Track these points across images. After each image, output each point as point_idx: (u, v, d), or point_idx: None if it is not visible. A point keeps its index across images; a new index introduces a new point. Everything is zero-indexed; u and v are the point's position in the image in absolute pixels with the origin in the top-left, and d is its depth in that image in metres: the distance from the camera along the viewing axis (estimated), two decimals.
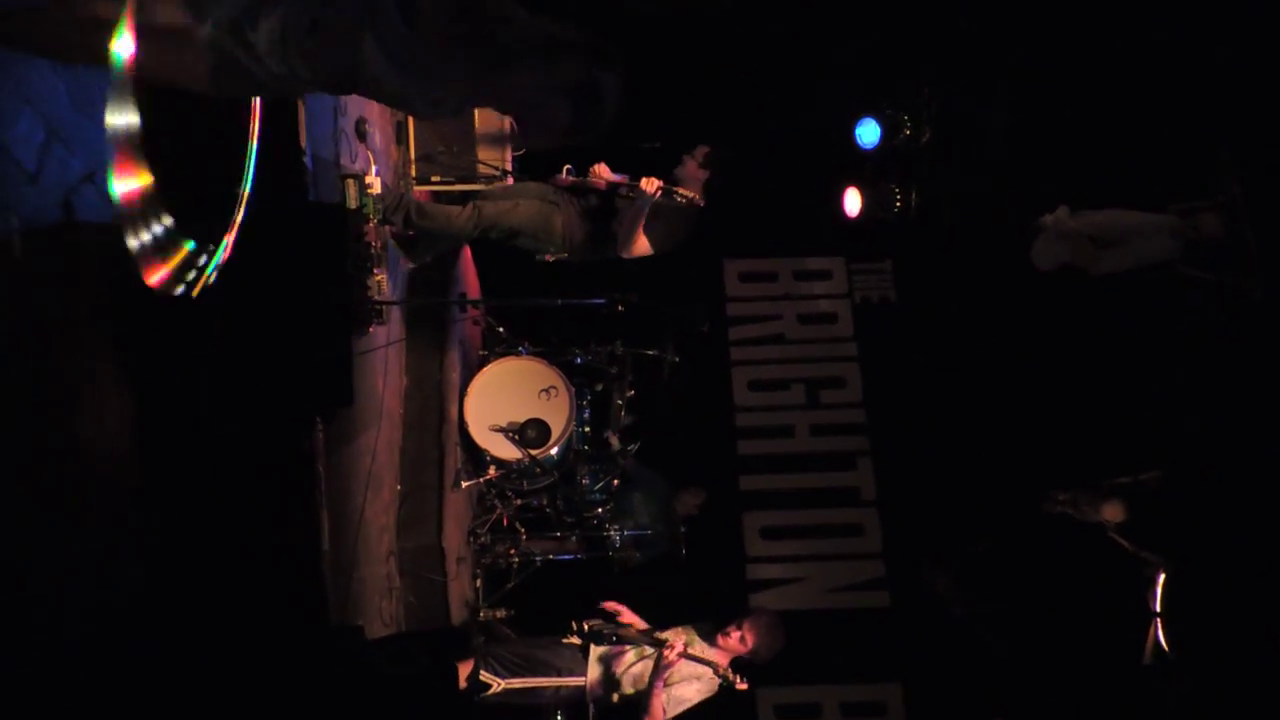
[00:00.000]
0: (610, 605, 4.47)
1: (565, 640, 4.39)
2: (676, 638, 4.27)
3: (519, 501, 5.60)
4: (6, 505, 2.20)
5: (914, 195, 6.41)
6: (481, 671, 4.23)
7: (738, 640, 4.31)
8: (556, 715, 4.74)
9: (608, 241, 4.65)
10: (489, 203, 4.67)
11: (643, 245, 4.56)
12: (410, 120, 5.14)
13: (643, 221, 4.51)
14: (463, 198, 4.87)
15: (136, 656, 2.58)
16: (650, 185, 4.47)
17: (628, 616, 4.44)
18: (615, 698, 4.32)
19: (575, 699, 4.42)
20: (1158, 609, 5.08)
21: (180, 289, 2.20)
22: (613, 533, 5.66)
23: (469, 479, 5.34)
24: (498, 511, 5.56)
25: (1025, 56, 6.08)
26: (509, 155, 5.19)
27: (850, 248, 7.26)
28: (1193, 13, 5.23)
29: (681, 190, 4.52)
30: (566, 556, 5.75)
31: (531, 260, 4.89)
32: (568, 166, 4.75)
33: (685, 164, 4.62)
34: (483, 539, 5.53)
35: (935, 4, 6.10)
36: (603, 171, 4.70)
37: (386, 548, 4.76)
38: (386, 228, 4.55)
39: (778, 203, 6.79)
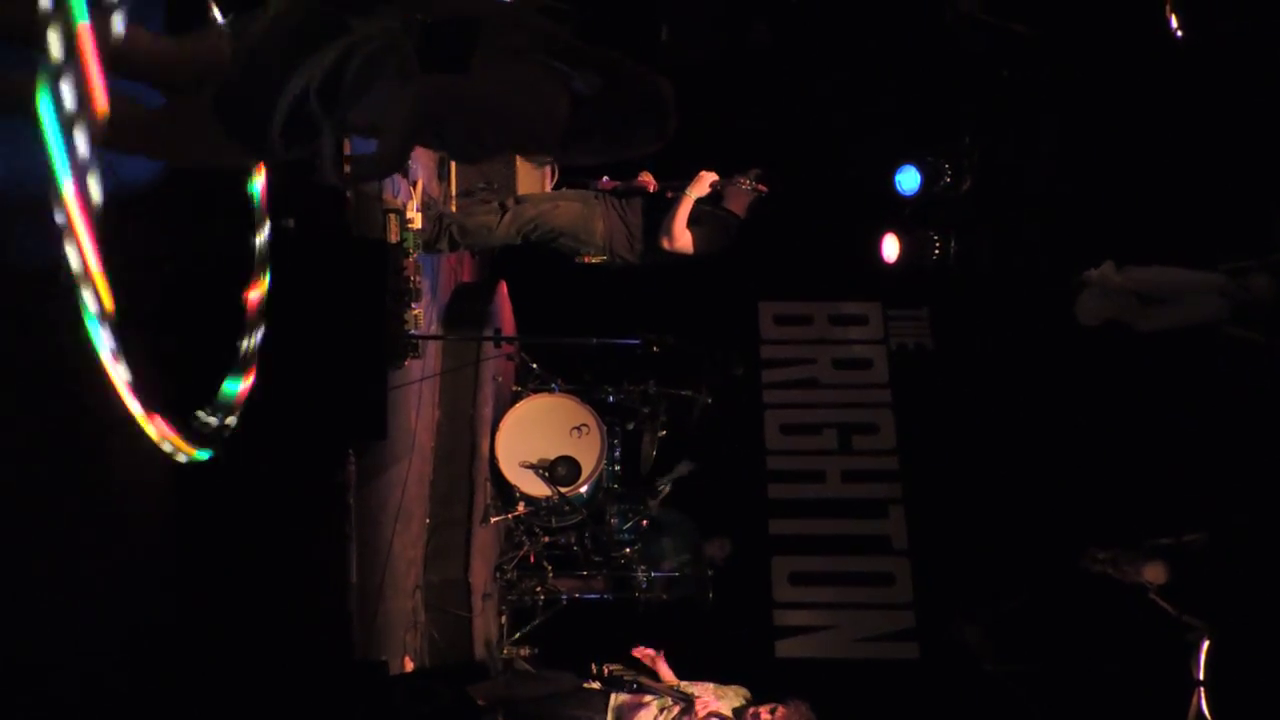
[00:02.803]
0: (641, 652, 4.20)
1: (586, 685, 4.28)
2: (711, 695, 3.87)
3: (547, 539, 5.56)
4: (42, 532, 2.21)
5: (953, 243, 6.37)
6: None
7: None
8: None
9: (649, 245, 4.59)
10: (529, 204, 4.67)
11: (686, 239, 4.51)
12: None
13: (690, 209, 4.47)
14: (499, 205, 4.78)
15: (163, 685, 2.57)
16: (708, 178, 4.49)
17: (662, 667, 4.15)
18: None
19: None
20: (1201, 677, 4.92)
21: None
22: (640, 573, 5.60)
23: (498, 515, 5.32)
24: (525, 548, 5.53)
25: (1069, 106, 6.05)
26: (549, 188, 5.22)
27: (887, 293, 7.23)
28: (1247, 68, 5.18)
29: (744, 180, 4.52)
30: (593, 596, 5.69)
31: (567, 298, 4.88)
32: (605, 176, 4.77)
33: (736, 182, 4.61)
34: (509, 575, 5.49)
35: (978, 52, 6.09)
36: (649, 178, 4.71)
37: (413, 581, 4.74)
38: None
39: (815, 246, 6.78)
